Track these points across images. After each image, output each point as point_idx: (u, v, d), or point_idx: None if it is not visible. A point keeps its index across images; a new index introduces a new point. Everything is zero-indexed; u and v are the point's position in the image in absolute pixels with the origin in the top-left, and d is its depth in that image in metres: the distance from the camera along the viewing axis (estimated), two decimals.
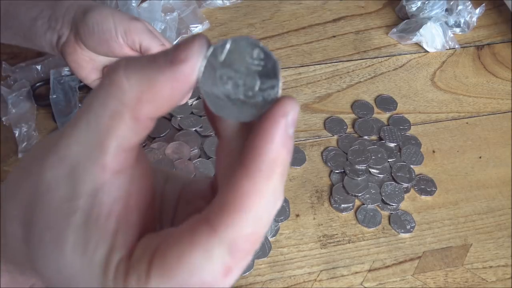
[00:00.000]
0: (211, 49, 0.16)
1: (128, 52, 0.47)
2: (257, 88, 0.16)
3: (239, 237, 0.15)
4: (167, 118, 0.57)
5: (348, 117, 0.60)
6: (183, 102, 0.55)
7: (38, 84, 0.59)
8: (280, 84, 0.16)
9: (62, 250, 0.16)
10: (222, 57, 0.16)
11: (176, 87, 0.15)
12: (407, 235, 0.52)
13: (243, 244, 0.15)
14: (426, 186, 0.55)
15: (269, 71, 0.16)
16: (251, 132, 0.16)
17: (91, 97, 0.16)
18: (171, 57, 0.15)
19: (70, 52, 0.48)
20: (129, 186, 0.17)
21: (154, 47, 0.47)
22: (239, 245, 0.15)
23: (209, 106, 0.16)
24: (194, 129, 0.56)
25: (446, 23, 0.69)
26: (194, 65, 0.15)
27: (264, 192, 0.15)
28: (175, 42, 0.64)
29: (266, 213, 0.15)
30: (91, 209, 0.16)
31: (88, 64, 0.49)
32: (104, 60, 0.50)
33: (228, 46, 0.16)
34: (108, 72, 0.16)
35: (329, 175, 0.55)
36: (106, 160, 0.16)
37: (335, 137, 0.59)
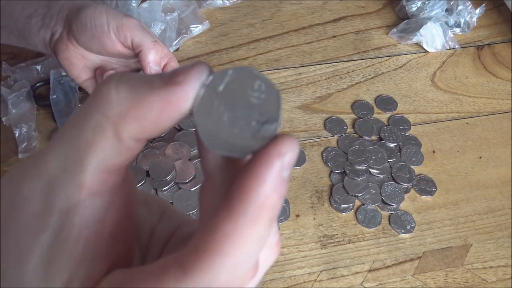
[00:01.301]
0: (210, 77, 0.15)
1: (120, 48, 0.47)
2: (254, 122, 0.15)
3: (211, 284, 0.13)
4: None
5: (348, 117, 0.60)
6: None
7: (38, 84, 0.59)
8: (280, 120, 0.15)
9: (24, 270, 0.15)
10: (222, 86, 0.15)
11: (165, 110, 0.14)
12: (407, 235, 0.52)
13: None
14: (426, 186, 0.55)
15: (270, 105, 0.15)
16: (241, 169, 0.14)
17: (78, 110, 0.15)
18: (166, 78, 0.15)
19: (63, 50, 0.48)
20: (105, 211, 0.15)
21: (146, 43, 0.46)
22: None
23: (201, 137, 0.15)
24: (194, 129, 0.56)
25: (446, 23, 0.69)
26: (189, 90, 0.15)
27: (246, 238, 0.14)
28: (174, 43, 0.64)
29: (246, 261, 0.14)
30: (61, 229, 0.15)
31: (80, 62, 0.49)
32: (96, 59, 0.50)
33: (229, 75, 0.15)
34: (99, 84, 0.15)
35: (329, 175, 0.55)
36: (83, 178, 0.15)
37: (335, 137, 0.59)
